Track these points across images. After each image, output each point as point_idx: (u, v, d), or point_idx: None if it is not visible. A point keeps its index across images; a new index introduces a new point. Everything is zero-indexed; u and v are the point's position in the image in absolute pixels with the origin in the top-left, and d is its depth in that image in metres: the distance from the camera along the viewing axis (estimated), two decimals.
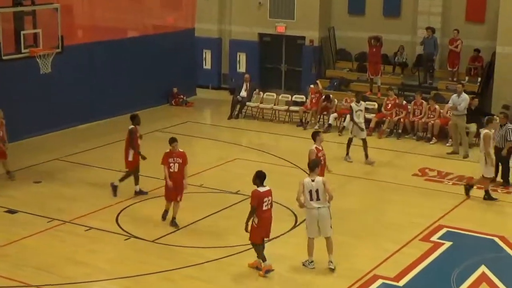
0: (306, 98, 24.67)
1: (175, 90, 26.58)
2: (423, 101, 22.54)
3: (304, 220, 13.58)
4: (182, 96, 26.69)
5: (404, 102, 22.86)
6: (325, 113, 23.84)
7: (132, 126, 16.69)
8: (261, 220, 12.67)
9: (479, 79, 24.28)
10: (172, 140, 14.92)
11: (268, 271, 12.82)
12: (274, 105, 24.98)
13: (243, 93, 25.08)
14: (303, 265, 13.13)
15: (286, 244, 14.23)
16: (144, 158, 16.65)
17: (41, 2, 18.60)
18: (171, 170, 14.78)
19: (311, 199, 12.82)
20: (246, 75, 25.77)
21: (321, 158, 14.95)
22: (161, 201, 15.90)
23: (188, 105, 26.65)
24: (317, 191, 12.79)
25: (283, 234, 14.57)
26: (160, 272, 12.95)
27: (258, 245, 12.86)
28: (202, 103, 27.21)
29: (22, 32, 17.45)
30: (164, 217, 15.15)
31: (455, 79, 24.58)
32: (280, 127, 23.96)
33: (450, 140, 21.29)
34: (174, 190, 14.78)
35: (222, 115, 25.20)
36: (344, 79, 26.21)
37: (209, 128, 24.59)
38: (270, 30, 27.93)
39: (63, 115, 22.29)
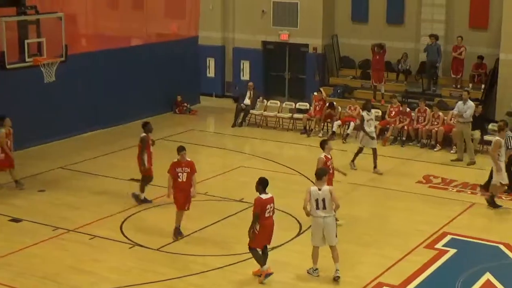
0: (310, 105, 24.68)
1: (179, 98, 26.61)
2: (427, 108, 22.53)
3: (308, 228, 13.57)
4: (186, 104, 26.72)
5: (408, 109, 22.85)
6: (328, 120, 23.82)
7: (144, 134, 16.70)
8: (262, 227, 12.66)
9: (483, 86, 24.26)
10: (181, 149, 14.77)
11: (268, 275, 12.81)
12: (278, 112, 24.99)
13: (247, 101, 25.09)
14: (308, 272, 13.11)
15: (290, 252, 14.21)
16: (144, 167, 16.68)
17: (45, 11, 18.67)
18: (179, 180, 14.60)
19: (317, 208, 12.77)
20: (250, 83, 25.80)
21: (330, 166, 14.95)
22: (165, 209, 15.93)
23: (192, 113, 26.68)
24: (323, 200, 12.74)
25: (287, 242, 14.56)
26: (164, 280, 12.94)
27: (254, 249, 12.84)
28: (206, 111, 27.23)
29: (26, 41, 17.48)
30: (178, 232, 14.93)
31: (458, 86, 24.58)
32: (284, 135, 23.97)
33: (454, 147, 21.27)
34: (183, 200, 14.67)
35: (225, 123, 25.22)
36: (347, 87, 26.21)
37: (213, 136, 24.60)
38: (274, 38, 27.96)
39: (67, 124, 22.33)
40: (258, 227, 12.64)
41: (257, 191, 12.75)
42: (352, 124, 23.08)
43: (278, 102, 25.51)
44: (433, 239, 14.91)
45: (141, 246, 14.45)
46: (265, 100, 25.54)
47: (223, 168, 19.91)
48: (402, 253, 14.13)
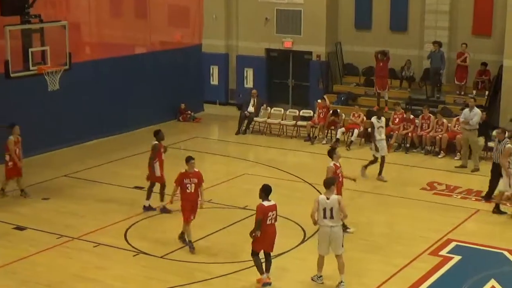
0: (314, 113, 24.68)
1: (182, 106, 26.64)
2: (431, 115, 22.51)
3: (312, 235, 13.56)
4: (189, 112, 26.75)
5: (412, 116, 22.83)
6: (332, 127, 23.83)
7: (156, 142, 16.71)
8: (264, 233, 12.62)
9: (487, 92, 24.25)
10: (189, 159, 14.70)
11: (266, 284, 12.80)
12: (282, 120, 25.01)
13: (251, 109, 25.12)
14: (312, 280, 13.10)
15: (294, 259, 14.20)
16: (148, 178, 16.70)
17: (49, 20, 18.71)
18: (187, 191, 14.52)
19: (325, 217, 12.72)
20: (254, 91, 25.81)
21: (340, 174, 14.94)
22: (169, 217, 15.95)
23: (195, 121, 26.70)
24: (331, 209, 12.67)
25: (291, 249, 14.54)
26: None
27: (256, 256, 12.81)
28: (209, 119, 27.25)
29: (30, 50, 17.51)
30: (183, 239, 14.89)
31: (462, 93, 24.58)
32: (287, 142, 23.97)
33: (458, 154, 21.25)
34: (190, 211, 14.58)
35: (229, 130, 25.24)
36: (351, 94, 26.21)
37: (217, 144, 24.61)
38: (277, 46, 27.98)
39: (71, 132, 22.35)
40: (259, 233, 12.62)
41: (260, 197, 12.75)
42: (356, 131, 23.08)
43: (282, 110, 25.53)
44: (437, 246, 14.88)
45: (145, 253, 14.44)
46: (268, 108, 25.56)
47: (227, 175, 19.91)
48: (406, 260, 14.11)
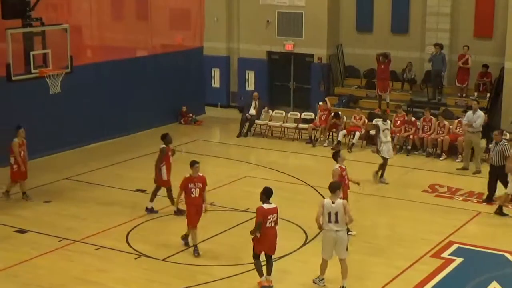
0: (315, 115, 24.69)
1: (184, 108, 26.65)
2: (432, 117, 22.51)
3: (314, 238, 13.55)
4: (191, 115, 26.75)
5: (413, 118, 22.82)
6: (334, 130, 23.83)
7: (164, 145, 16.71)
8: (263, 236, 12.62)
9: (488, 94, 24.24)
10: (194, 163, 14.65)
11: (265, 287, 12.79)
12: (283, 122, 25.01)
13: (252, 111, 25.12)
14: (314, 282, 13.08)
15: (296, 262, 14.19)
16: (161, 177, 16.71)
17: (51, 23, 18.72)
18: (192, 195, 14.47)
19: (330, 221, 12.68)
20: (255, 93, 25.82)
21: (346, 177, 14.92)
22: (171, 220, 15.94)
23: (197, 123, 26.71)
24: (336, 213, 12.63)
25: (293, 252, 14.54)
26: None
27: (256, 259, 12.81)
28: (211, 122, 27.26)
29: (31, 53, 17.52)
30: (185, 241, 14.89)
31: (464, 95, 24.57)
32: (289, 145, 23.97)
33: (460, 156, 21.24)
34: (195, 216, 14.53)
35: (231, 133, 25.24)
36: (352, 96, 26.21)
37: (218, 146, 24.60)
38: (279, 48, 27.99)
39: (72, 135, 22.35)
40: (259, 234, 12.61)
41: (260, 200, 12.73)
42: (357, 133, 23.08)
43: (283, 112, 25.53)
44: (439, 248, 14.88)
45: (147, 256, 14.44)
46: (270, 110, 25.56)
47: (228, 178, 19.90)
48: (408, 262, 14.10)
